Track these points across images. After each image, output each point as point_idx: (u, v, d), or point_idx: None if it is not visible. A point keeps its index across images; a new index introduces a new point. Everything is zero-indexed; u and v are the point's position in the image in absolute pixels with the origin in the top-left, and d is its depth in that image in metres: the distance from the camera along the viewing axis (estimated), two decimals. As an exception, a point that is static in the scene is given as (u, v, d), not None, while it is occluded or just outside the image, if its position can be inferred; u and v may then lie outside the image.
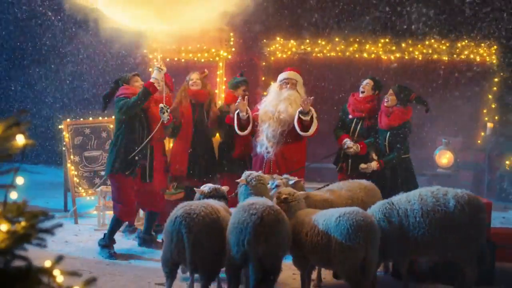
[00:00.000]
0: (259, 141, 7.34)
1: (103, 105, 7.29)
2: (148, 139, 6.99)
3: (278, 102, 7.30)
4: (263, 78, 11.01)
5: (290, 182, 6.25)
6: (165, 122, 7.05)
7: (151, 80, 6.92)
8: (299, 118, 7.11)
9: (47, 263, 2.63)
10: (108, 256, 6.90)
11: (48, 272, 2.64)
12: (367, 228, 5.11)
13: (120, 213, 7.01)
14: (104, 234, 7.13)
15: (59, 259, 2.66)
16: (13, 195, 2.78)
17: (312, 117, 7.15)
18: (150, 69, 9.20)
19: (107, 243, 6.98)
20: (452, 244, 5.58)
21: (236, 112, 7.37)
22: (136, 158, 6.96)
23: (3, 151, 2.70)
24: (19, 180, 2.79)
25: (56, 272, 2.66)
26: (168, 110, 7.04)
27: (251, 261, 4.88)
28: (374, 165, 7.30)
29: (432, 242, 5.58)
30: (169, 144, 8.60)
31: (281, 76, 7.54)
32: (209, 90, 8.08)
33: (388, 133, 7.29)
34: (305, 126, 7.17)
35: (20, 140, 2.70)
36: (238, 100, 7.36)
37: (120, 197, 7.04)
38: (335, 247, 5.09)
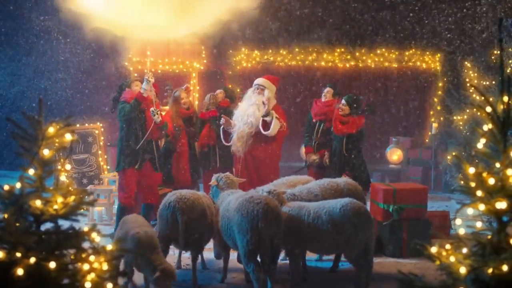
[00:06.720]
0: (233, 141, 8.26)
1: (112, 107, 8.19)
2: (145, 137, 7.91)
3: (248, 107, 8.23)
4: (229, 86, 11.78)
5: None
6: (157, 123, 7.96)
7: (141, 91, 7.86)
8: (263, 120, 8.09)
9: (86, 228, 3.62)
10: None
11: (88, 234, 3.63)
12: (366, 214, 5.93)
13: (122, 199, 7.93)
14: (115, 228, 7.90)
15: (94, 226, 3.67)
16: (63, 177, 3.77)
17: (273, 119, 8.04)
18: (130, 79, 10.07)
19: None
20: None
21: (222, 127, 8.37)
22: (141, 153, 7.87)
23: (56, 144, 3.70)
24: (67, 166, 3.79)
25: (94, 235, 3.66)
26: (159, 113, 7.95)
27: (264, 242, 5.52)
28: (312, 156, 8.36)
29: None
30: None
31: (254, 83, 8.49)
32: (193, 108, 8.98)
33: (345, 139, 8.08)
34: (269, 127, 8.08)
35: (68, 137, 3.69)
36: (222, 121, 8.31)
37: (123, 187, 7.97)
38: (347, 232, 5.72)
